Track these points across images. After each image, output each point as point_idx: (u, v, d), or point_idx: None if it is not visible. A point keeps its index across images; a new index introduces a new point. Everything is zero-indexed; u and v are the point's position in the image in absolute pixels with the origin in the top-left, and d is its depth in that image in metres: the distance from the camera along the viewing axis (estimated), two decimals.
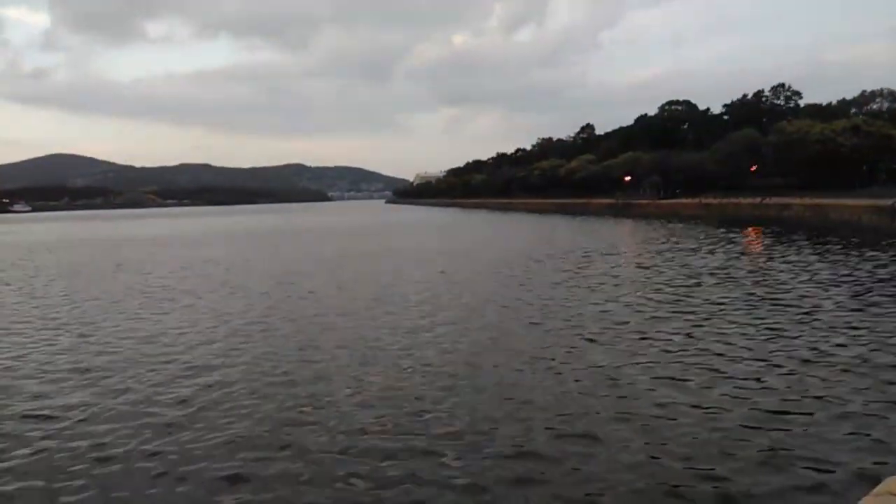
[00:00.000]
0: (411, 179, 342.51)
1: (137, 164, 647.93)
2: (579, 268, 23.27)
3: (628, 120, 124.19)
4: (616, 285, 18.94)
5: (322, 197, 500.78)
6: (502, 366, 10.51)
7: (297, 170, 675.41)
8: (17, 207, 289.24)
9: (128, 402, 9.27)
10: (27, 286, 23.06)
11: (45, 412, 8.89)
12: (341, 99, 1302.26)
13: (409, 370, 10.42)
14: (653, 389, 9.11)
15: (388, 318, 14.83)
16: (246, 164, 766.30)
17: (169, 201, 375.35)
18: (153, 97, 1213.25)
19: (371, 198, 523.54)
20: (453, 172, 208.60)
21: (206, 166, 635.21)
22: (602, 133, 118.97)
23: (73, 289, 21.97)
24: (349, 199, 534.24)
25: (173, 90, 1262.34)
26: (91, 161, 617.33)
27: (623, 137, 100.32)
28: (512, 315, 14.80)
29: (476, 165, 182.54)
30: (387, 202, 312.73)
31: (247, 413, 8.55)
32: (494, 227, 57.46)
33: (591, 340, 12.04)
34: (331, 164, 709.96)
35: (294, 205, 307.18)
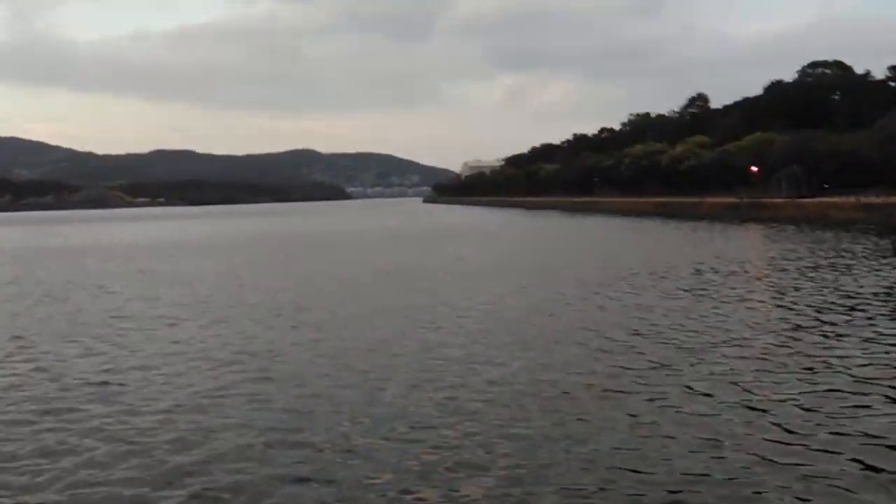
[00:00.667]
0: (457, 170, 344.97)
1: (99, 151, 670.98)
2: (694, 293, 22.95)
3: (755, 88, 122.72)
4: (742, 319, 18.54)
5: (339, 193, 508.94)
6: (601, 423, 10.37)
7: (308, 158, 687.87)
8: None
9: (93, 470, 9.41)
10: None
11: None
12: (364, 64, 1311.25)
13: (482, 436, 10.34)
14: (799, 463, 8.83)
15: (440, 359, 14.81)
16: (240, 151, 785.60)
17: (139, 199, 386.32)
18: (119, 63, 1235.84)
19: (404, 194, 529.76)
20: (514, 161, 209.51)
21: (188, 153, 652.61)
22: (719, 106, 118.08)
23: (17, 314, 22.64)
24: (374, 196, 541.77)
25: (145, 54, 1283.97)
26: (40, 147, 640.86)
27: (748, 112, 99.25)
28: (609, 353, 14.64)
29: (545, 151, 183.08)
30: (424, 200, 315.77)
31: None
32: (570, 235, 57.21)
33: (703, 388, 11.77)
34: (351, 151, 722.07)
35: (302, 204, 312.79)
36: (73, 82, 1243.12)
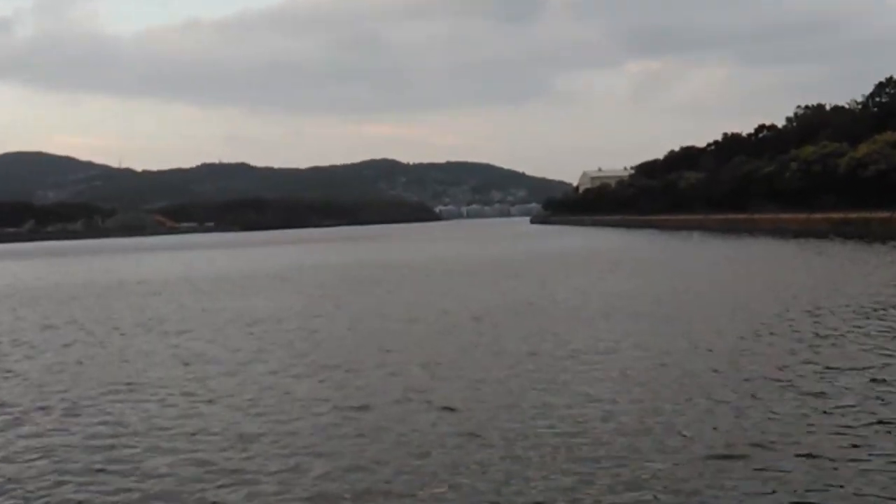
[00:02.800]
0: (574, 182, 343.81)
1: (138, 167, 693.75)
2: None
3: None
4: None
5: (426, 213, 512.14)
6: None
7: (387, 170, 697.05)
8: None
9: None
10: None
11: None
12: (458, 54, 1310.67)
13: None
14: None
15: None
16: (304, 164, 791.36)
17: (185, 224, 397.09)
18: (164, 61, 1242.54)
19: (507, 214, 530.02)
20: (646, 169, 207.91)
21: (243, 167, 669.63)
22: None
23: (74, 358, 23.88)
24: (471, 215, 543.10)
25: (196, 48, 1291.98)
26: (69, 163, 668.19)
27: None
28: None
29: (686, 156, 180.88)
30: (532, 221, 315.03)
31: None
32: (729, 266, 56.55)
33: None
34: (440, 160, 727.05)
35: (380, 227, 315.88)
36: (108, 86, 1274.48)
